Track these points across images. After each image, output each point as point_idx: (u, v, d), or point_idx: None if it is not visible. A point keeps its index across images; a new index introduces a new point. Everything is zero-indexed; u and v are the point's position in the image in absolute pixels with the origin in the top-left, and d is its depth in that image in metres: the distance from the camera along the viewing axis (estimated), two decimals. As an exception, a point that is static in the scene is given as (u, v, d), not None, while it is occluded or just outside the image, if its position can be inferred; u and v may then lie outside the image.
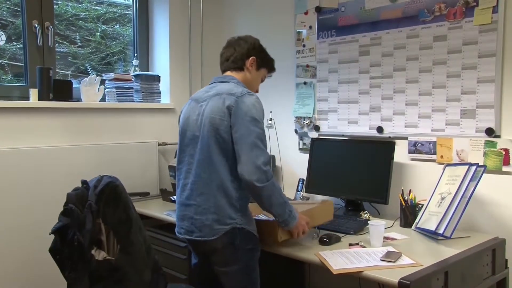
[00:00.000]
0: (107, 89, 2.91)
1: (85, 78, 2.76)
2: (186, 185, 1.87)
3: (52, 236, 1.67)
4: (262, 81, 2.09)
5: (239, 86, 1.90)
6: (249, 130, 1.75)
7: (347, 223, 2.17)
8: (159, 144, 3.03)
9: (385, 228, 1.93)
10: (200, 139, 1.84)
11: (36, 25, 2.65)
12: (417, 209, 2.19)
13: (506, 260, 2.02)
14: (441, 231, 1.92)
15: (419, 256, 1.75)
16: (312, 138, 2.72)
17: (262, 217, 2.06)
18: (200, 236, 1.81)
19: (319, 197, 2.72)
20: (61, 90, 2.62)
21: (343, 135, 2.65)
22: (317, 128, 2.77)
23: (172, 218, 2.41)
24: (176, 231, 1.94)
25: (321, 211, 2.00)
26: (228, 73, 2.00)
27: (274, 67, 2.11)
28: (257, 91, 2.04)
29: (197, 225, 1.81)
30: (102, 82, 2.90)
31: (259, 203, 1.79)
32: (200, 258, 1.98)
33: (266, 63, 2.06)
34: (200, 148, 1.83)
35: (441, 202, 2.01)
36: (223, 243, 1.79)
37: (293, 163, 2.90)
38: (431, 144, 2.29)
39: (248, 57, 1.99)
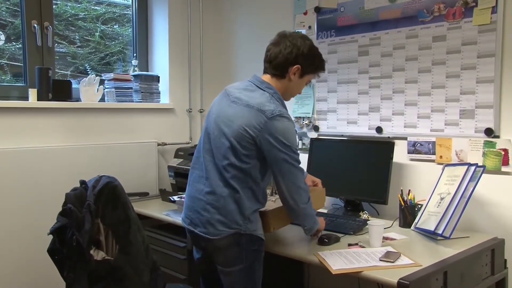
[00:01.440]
0: (106, 89, 2.91)
1: (84, 78, 2.76)
2: (200, 178, 1.86)
3: (51, 237, 1.67)
4: (306, 84, 1.97)
5: (273, 100, 1.79)
6: (285, 154, 1.74)
7: (346, 223, 2.17)
8: (159, 144, 3.03)
9: (384, 228, 1.93)
10: (218, 141, 1.80)
11: (35, 25, 2.65)
12: (416, 209, 2.19)
13: (505, 260, 2.02)
14: (440, 231, 1.92)
15: (418, 256, 1.75)
16: (311, 138, 2.72)
17: None
18: (204, 232, 1.80)
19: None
20: (60, 90, 2.62)
21: (342, 135, 2.65)
22: (316, 128, 2.77)
23: (171, 218, 2.41)
24: (181, 218, 1.94)
25: (313, 198, 1.94)
26: (268, 77, 1.87)
27: (323, 68, 1.94)
28: (299, 93, 1.97)
29: (202, 220, 1.81)
30: (102, 82, 2.90)
31: (294, 219, 1.88)
32: (202, 253, 1.96)
33: (313, 70, 1.90)
34: (216, 150, 1.81)
35: (440, 202, 2.01)
36: (228, 243, 1.78)
37: (293, 163, 2.89)
38: (430, 144, 2.29)
39: (292, 64, 1.83)
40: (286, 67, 1.83)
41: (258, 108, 1.75)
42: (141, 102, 2.98)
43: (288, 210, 1.82)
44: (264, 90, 1.82)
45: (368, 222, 2.02)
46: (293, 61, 1.82)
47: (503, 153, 2.05)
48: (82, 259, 1.59)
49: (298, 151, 1.81)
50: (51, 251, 1.67)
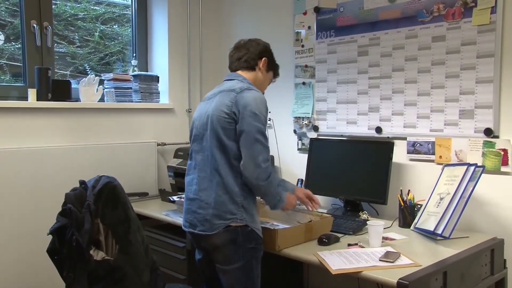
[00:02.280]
0: (105, 89, 2.91)
1: (83, 78, 2.75)
2: (193, 180, 1.94)
3: (50, 237, 1.67)
4: (269, 83, 2.14)
5: (243, 82, 1.93)
6: (250, 125, 1.80)
7: (346, 223, 2.17)
8: (158, 144, 3.03)
9: (384, 228, 1.93)
10: (204, 137, 1.90)
11: (35, 25, 2.65)
12: (416, 209, 2.19)
13: (505, 260, 2.02)
14: (439, 231, 1.92)
15: (418, 256, 1.75)
16: (311, 139, 2.72)
17: (265, 224, 2.08)
18: (202, 230, 1.85)
19: (319, 198, 2.72)
20: (59, 90, 2.62)
21: (342, 136, 2.65)
22: (316, 129, 2.77)
23: (171, 218, 2.41)
24: (182, 224, 1.99)
25: (321, 225, 2.05)
26: (239, 72, 2.01)
27: (278, 73, 2.17)
28: (265, 88, 2.11)
29: (199, 219, 1.86)
30: (101, 82, 2.89)
31: (256, 194, 1.89)
32: (203, 254, 2.00)
33: (274, 67, 2.12)
34: (204, 145, 1.89)
35: (439, 202, 2.02)
36: (224, 240, 1.81)
37: (292, 163, 2.90)
38: (429, 144, 2.29)
39: (260, 57, 2.03)
40: (255, 60, 2.02)
41: (228, 89, 1.90)
42: (140, 102, 2.98)
43: (248, 184, 1.82)
44: (234, 79, 1.97)
45: (367, 222, 2.02)
46: (261, 55, 2.04)
47: (502, 153, 2.05)
48: (82, 259, 1.59)
49: (267, 126, 1.90)
50: (51, 251, 1.67)
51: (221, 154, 1.83)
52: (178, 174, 2.82)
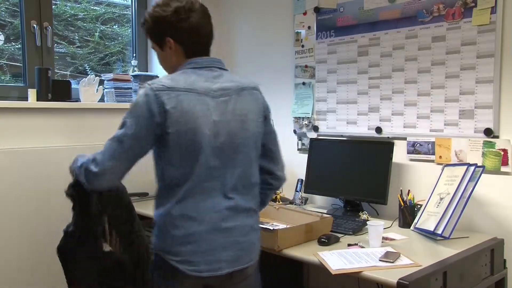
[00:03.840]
0: (105, 90, 2.91)
1: (83, 79, 2.75)
2: None
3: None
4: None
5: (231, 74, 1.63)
6: None
7: (346, 223, 2.17)
8: (158, 145, 3.03)
9: (384, 228, 1.93)
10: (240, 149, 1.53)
11: (35, 25, 2.65)
12: (415, 209, 2.19)
13: (505, 260, 2.02)
14: (439, 232, 1.92)
15: (417, 256, 1.75)
16: (310, 139, 2.72)
17: (265, 224, 2.09)
18: None
19: (318, 198, 2.72)
20: (59, 91, 2.62)
21: (341, 136, 2.65)
22: (315, 129, 2.77)
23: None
24: None
25: (320, 225, 2.04)
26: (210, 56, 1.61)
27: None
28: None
29: None
30: (101, 82, 2.89)
31: None
32: None
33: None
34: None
35: (439, 203, 2.02)
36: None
37: (292, 163, 2.90)
38: (429, 145, 2.29)
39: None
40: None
41: (252, 87, 1.64)
42: (140, 102, 2.97)
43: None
44: (225, 68, 1.66)
45: (367, 222, 2.02)
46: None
47: (502, 153, 2.06)
48: (95, 246, 1.58)
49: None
50: (60, 249, 1.66)
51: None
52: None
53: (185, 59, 1.55)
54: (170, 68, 1.61)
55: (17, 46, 2.70)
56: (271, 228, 1.95)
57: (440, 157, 2.25)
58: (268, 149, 1.67)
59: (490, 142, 2.09)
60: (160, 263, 1.47)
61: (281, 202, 2.64)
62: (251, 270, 1.56)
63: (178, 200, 1.44)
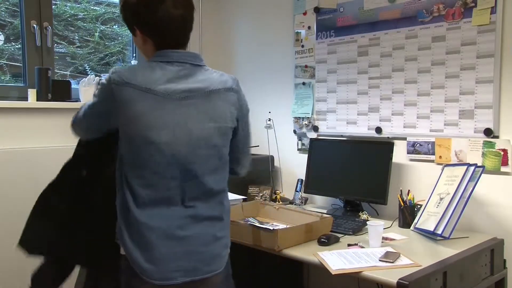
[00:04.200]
0: (105, 90, 2.91)
1: (83, 79, 2.75)
2: None
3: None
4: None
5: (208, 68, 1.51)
6: None
7: (346, 223, 2.18)
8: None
9: (384, 228, 1.93)
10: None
11: (35, 25, 2.65)
12: (415, 209, 2.19)
13: (505, 261, 2.02)
14: (439, 232, 1.92)
15: (417, 256, 1.75)
16: (310, 139, 2.72)
17: (265, 224, 2.09)
18: None
19: (318, 198, 2.72)
20: (59, 91, 2.62)
21: (341, 136, 2.65)
22: (315, 129, 2.77)
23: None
24: None
25: (320, 225, 2.04)
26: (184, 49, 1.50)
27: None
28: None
29: None
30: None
31: None
32: None
33: None
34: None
35: (439, 203, 2.02)
36: None
37: (292, 163, 2.90)
38: (429, 145, 2.29)
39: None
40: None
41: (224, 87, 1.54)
42: (140, 102, 2.97)
43: None
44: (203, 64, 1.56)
45: (367, 222, 2.02)
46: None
47: (502, 153, 2.06)
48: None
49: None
50: None
51: None
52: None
53: (155, 50, 1.42)
54: (145, 55, 1.48)
55: (17, 46, 2.69)
56: (271, 228, 1.95)
57: (440, 157, 2.25)
58: (233, 157, 1.53)
59: (490, 142, 2.09)
60: (125, 266, 1.41)
61: (281, 202, 2.64)
62: (217, 279, 1.44)
63: (136, 206, 1.37)
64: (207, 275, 1.41)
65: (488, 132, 2.10)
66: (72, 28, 2.96)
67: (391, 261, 1.68)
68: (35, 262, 2.45)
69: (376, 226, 1.88)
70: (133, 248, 1.36)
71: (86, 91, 2.74)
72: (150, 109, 1.33)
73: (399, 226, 2.21)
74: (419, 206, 2.19)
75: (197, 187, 1.40)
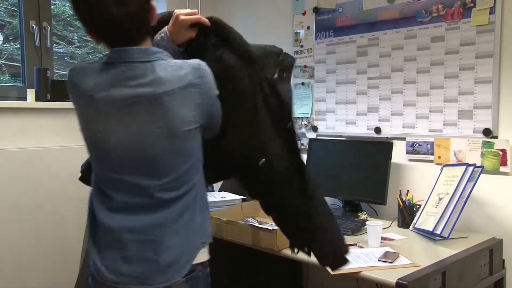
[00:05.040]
0: (104, 90, 2.91)
1: (82, 79, 2.75)
2: None
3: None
4: None
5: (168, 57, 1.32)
6: None
7: (345, 223, 2.18)
8: (157, 145, 3.02)
9: (383, 228, 1.93)
10: None
11: (34, 25, 2.65)
12: (414, 209, 2.19)
13: (504, 260, 2.02)
14: (438, 232, 1.92)
15: (417, 256, 1.75)
16: (310, 139, 2.72)
17: (265, 225, 2.08)
18: None
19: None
20: (58, 91, 2.62)
21: (341, 136, 2.65)
22: (315, 129, 2.78)
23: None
24: None
25: None
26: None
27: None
28: None
29: None
30: (100, 82, 2.89)
31: None
32: None
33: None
34: None
35: (438, 203, 2.02)
36: None
37: (291, 163, 2.90)
38: (428, 145, 2.29)
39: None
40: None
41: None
42: (139, 102, 2.97)
43: None
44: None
45: (366, 222, 2.02)
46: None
47: (501, 153, 2.06)
48: None
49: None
50: None
51: None
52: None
53: (109, 48, 1.27)
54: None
55: (16, 46, 2.69)
56: (271, 228, 1.95)
57: (439, 157, 2.25)
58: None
59: (489, 142, 2.09)
60: None
61: (280, 202, 2.64)
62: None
63: (100, 202, 1.32)
64: (162, 285, 1.26)
65: (487, 132, 2.10)
66: (71, 28, 2.96)
67: (390, 261, 1.68)
68: (36, 262, 2.46)
69: (375, 226, 1.88)
70: (93, 246, 1.32)
71: (85, 91, 2.74)
72: (93, 120, 1.24)
73: (398, 226, 2.21)
74: (418, 206, 2.19)
75: (146, 197, 1.27)
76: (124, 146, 1.23)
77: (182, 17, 1.36)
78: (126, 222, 1.28)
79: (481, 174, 1.98)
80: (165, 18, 1.41)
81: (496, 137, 2.08)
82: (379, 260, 1.70)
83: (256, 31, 3.07)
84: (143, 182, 1.25)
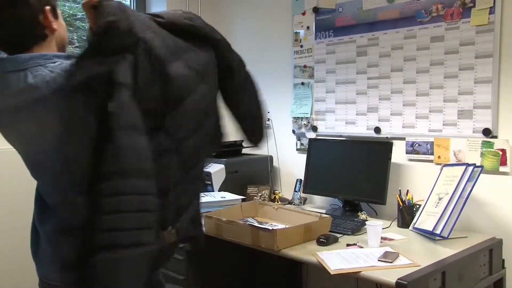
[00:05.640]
0: (104, 90, 2.90)
1: (82, 79, 2.75)
2: None
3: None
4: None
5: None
6: None
7: (345, 223, 2.18)
8: (157, 145, 3.02)
9: (383, 228, 1.93)
10: None
11: (34, 25, 2.64)
12: (414, 209, 2.19)
13: (503, 260, 2.02)
14: (438, 232, 1.92)
15: (416, 256, 1.75)
16: (309, 139, 2.72)
17: (264, 225, 2.09)
18: None
19: (317, 198, 2.72)
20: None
21: (340, 136, 2.65)
22: (314, 129, 2.78)
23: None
24: None
25: (319, 225, 2.04)
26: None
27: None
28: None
29: None
30: (100, 82, 2.89)
31: None
32: None
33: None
34: None
35: (438, 203, 2.02)
36: None
37: (291, 163, 2.90)
38: (428, 145, 2.29)
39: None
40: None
41: None
42: (139, 102, 2.97)
43: None
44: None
45: (366, 222, 2.02)
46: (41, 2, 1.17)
47: (501, 153, 2.06)
48: None
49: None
50: None
51: None
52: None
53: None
54: None
55: (15, 46, 2.69)
56: (270, 228, 1.95)
57: (439, 157, 2.25)
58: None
59: (489, 142, 2.09)
60: None
61: (280, 202, 2.64)
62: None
63: None
64: (46, 280, 1.35)
65: (486, 132, 2.10)
66: (71, 28, 2.95)
67: (390, 261, 1.68)
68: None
69: (375, 226, 1.88)
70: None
71: (85, 91, 2.74)
72: None
73: (398, 226, 2.21)
74: (418, 206, 2.19)
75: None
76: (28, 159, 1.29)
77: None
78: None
79: (481, 174, 1.98)
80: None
81: (495, 137, 2.08)
82: (379, 260, 1.70)
83: (256, 31, 3.07)
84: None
